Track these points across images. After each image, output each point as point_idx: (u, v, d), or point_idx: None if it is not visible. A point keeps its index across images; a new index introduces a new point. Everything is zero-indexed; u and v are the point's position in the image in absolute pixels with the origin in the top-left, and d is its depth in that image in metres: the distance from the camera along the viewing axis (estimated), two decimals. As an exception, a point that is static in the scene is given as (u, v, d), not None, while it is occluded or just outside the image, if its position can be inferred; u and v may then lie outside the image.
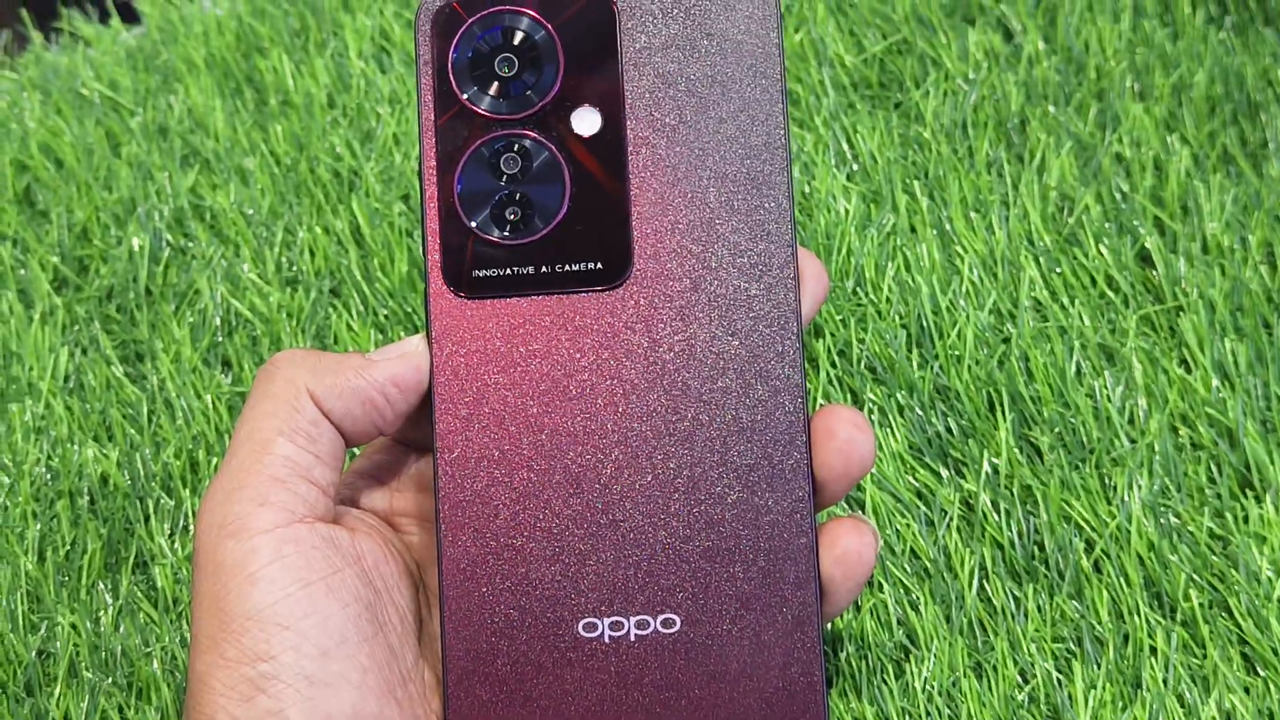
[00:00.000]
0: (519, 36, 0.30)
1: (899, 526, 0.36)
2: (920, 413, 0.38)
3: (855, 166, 0.43)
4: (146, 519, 0.39)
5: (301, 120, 0.46)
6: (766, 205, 0.31)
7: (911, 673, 0.34)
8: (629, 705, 0.30)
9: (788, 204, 0.31)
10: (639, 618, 0.30)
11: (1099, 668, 0.34)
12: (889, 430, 0.37)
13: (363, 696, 0.29)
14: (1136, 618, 0.34)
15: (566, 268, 0.30)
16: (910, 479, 0.37)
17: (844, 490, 0.31)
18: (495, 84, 0.30)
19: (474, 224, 0.30)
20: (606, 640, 0.30)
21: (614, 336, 0.31)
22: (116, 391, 0.41)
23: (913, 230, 0.42)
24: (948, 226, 0.41)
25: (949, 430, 0.38)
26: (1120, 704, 0.33)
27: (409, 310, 0.42)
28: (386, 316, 0.42)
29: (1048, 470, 0.37)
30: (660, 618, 0.30)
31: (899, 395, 0.39)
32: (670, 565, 0.30)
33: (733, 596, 0.30)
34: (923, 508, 0.37)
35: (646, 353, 0.31)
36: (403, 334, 0.40)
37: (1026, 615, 0.35)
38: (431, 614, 0.32)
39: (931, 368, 0.39)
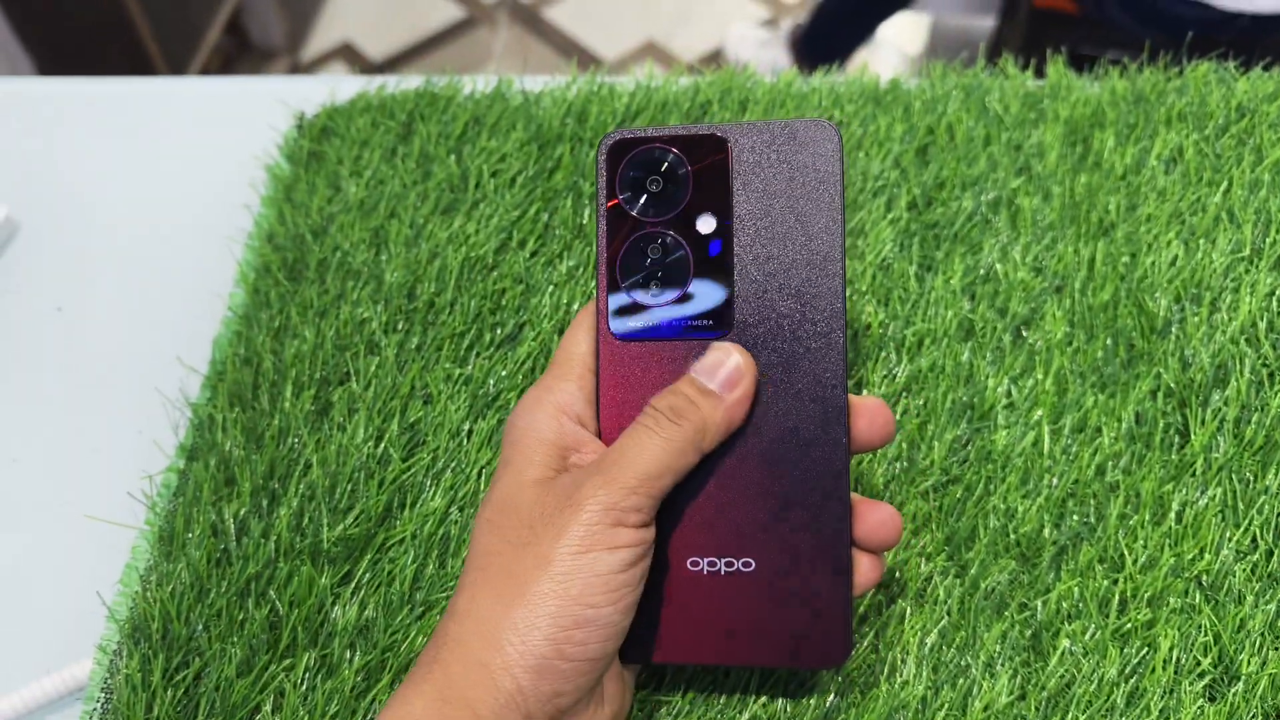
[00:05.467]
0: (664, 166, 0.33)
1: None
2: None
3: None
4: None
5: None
6: (823, 288, 0.32)
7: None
8: (719, 617, 0.32)
9: (840, 288, 0.31)
10: (727, 559, 0.32)
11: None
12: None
13: None
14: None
15: (690, 324, 0.32)
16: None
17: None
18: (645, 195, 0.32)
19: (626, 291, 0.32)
20: (705, 572, 0.32)
21: None
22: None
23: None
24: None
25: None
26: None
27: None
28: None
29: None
30: (741, 560, 0.32)
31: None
32: (751, 526, 0.32)
33: (793, 552, 0.32)
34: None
35: None
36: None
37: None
38: None
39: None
